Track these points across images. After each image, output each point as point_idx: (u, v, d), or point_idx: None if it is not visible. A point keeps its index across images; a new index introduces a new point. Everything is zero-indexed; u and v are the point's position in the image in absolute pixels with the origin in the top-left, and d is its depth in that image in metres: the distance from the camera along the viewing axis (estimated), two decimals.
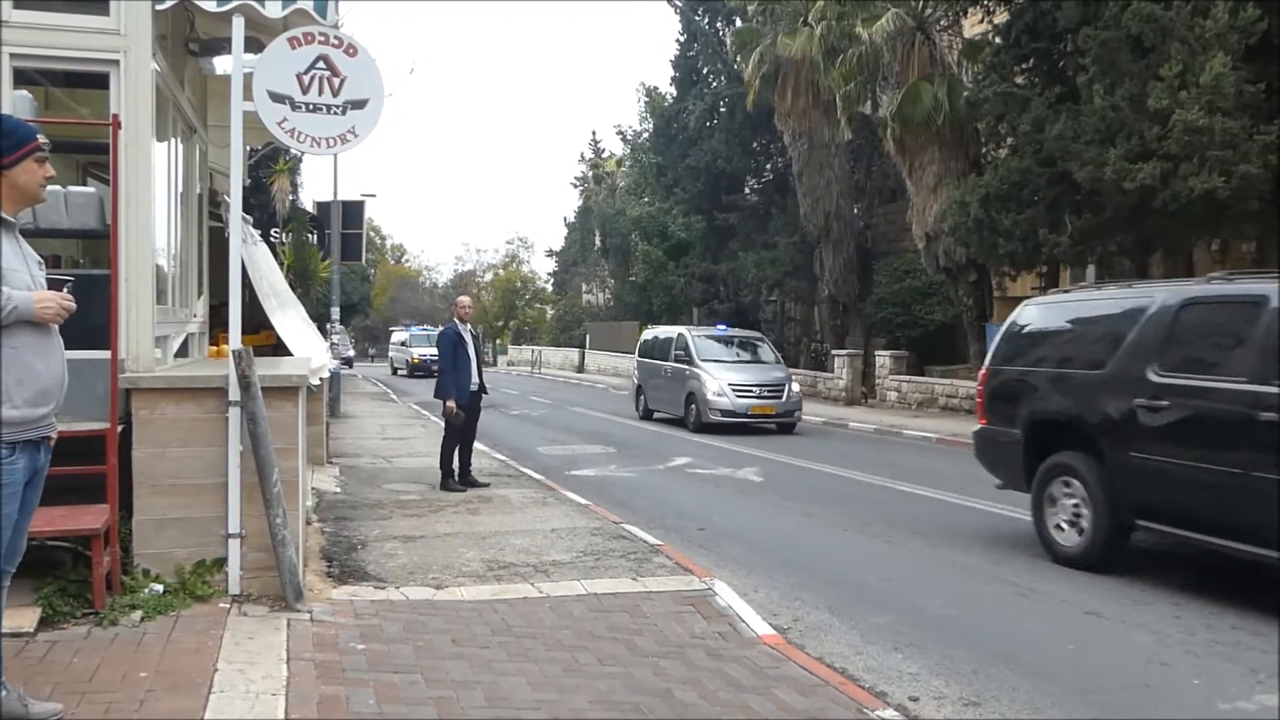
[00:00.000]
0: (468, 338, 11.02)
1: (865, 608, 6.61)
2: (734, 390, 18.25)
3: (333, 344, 49.16)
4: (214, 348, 9.02)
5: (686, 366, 19.29)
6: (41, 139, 3.86)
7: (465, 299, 12.01)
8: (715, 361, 19.15)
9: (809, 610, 6.54)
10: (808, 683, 5.00)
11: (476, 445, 11.70)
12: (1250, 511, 6.24)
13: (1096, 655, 5.66)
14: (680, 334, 20.50)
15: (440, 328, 11.44)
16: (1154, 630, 6.12)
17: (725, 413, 18.10)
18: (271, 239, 20.29)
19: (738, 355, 20.05)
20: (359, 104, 6.15)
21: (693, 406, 18.69)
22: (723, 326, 21.67)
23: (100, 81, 6.06)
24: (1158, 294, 7.42)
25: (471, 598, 6.29)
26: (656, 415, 20.86)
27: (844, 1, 22.74)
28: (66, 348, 3.96)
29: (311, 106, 6.09)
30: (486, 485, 10.78)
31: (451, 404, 10.70)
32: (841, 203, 28.06)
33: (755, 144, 32.87)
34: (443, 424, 11.21)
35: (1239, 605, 6.63)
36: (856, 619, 6.34)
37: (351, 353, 54.94)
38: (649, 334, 22.73)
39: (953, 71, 22.03)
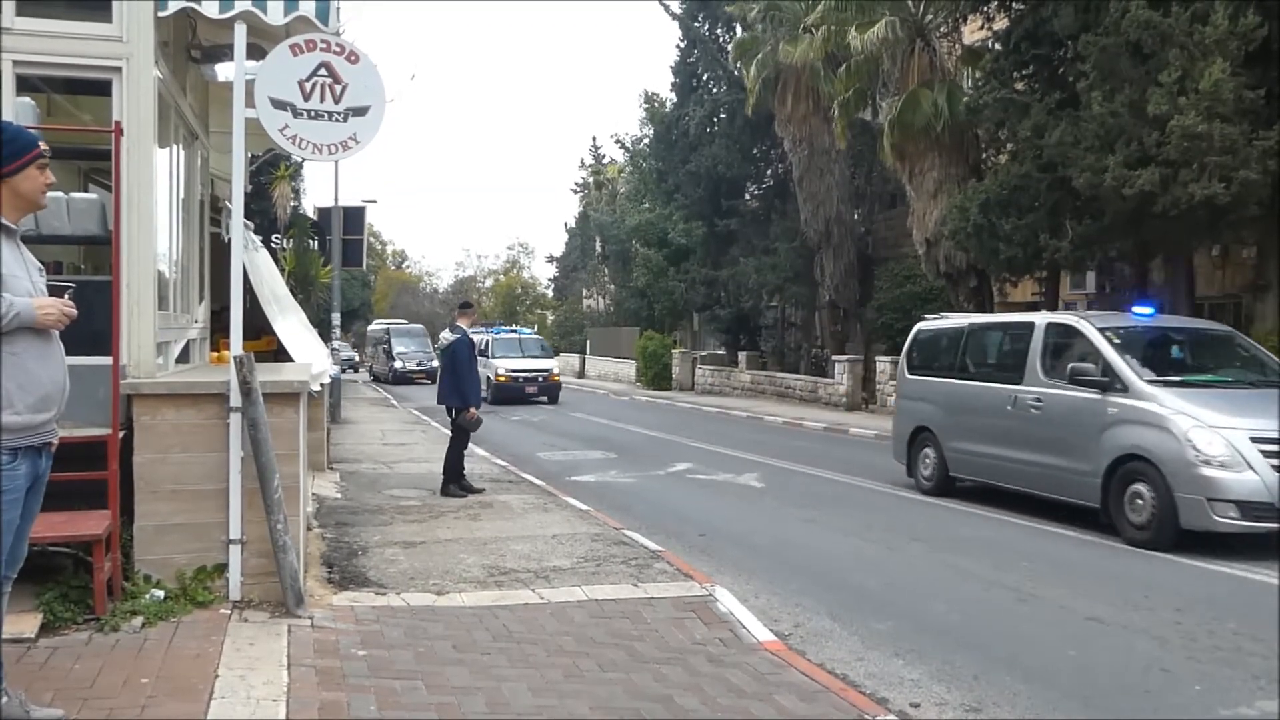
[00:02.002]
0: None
1: (866, 613, 6.61)
2: (1264, 452, 8.28)
3: (391, 352, 40.19)
4: (215, 353, 9.03)
5: (1104, 397, 9.30)
6: (43, 146, 3.87)
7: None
8: (1183, 386, 9.21)
9: (810, 616, 6.54)
10: (809, 689, 4.99)
11: (477, 451, 11.74)
12: None
13: (1098, 661, 5.65)
14: (1067, 325, 10.34)
15: (453, 335, 11.34)
16: (1155, 636, 6.11)
17: (1250, 508, 8.18)
18: (273, 245, 20.34)
19: (1213, 372, 9.91)
20: (360, 111, 6.16)
21: (1138, 489, 8.75)
22: (1148, 310, 10.56)
23: (102, 88, 6.07)
24: None
25: (472, 603, 6.29)
26: (964, 484, 11.38)
27: (844, 9, 22.74)
28: (68, 353, 3.97)
29: (313, 113, 6.10)
30: (481, 491, 10.79)
31: (474, 411, 10.89)
32: (842, 208, 28.08)
33: (755, 150, 32.88)
34: (449, 431, 11.32)
35: (1240, 611, 6.63)
36: (857, 625, 6.34)
37: (436, 364, 43.10)
38: (938, 325, 12.70)
39: (952, 78, 22.04)
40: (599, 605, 6.33)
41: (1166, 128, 14.07)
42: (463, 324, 11.40)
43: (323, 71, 6.09)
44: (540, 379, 28.48)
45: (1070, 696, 5.11)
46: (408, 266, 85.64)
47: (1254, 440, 8.37)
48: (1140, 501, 8.74)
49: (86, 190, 8.00)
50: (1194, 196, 13.98)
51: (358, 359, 54.74)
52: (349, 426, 19.16)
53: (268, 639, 5.17)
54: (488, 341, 29.30)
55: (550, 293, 67.74)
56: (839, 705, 4.79)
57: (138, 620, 5.19)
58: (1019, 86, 18.39)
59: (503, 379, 27.83)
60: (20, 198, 3.82)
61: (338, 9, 6.29)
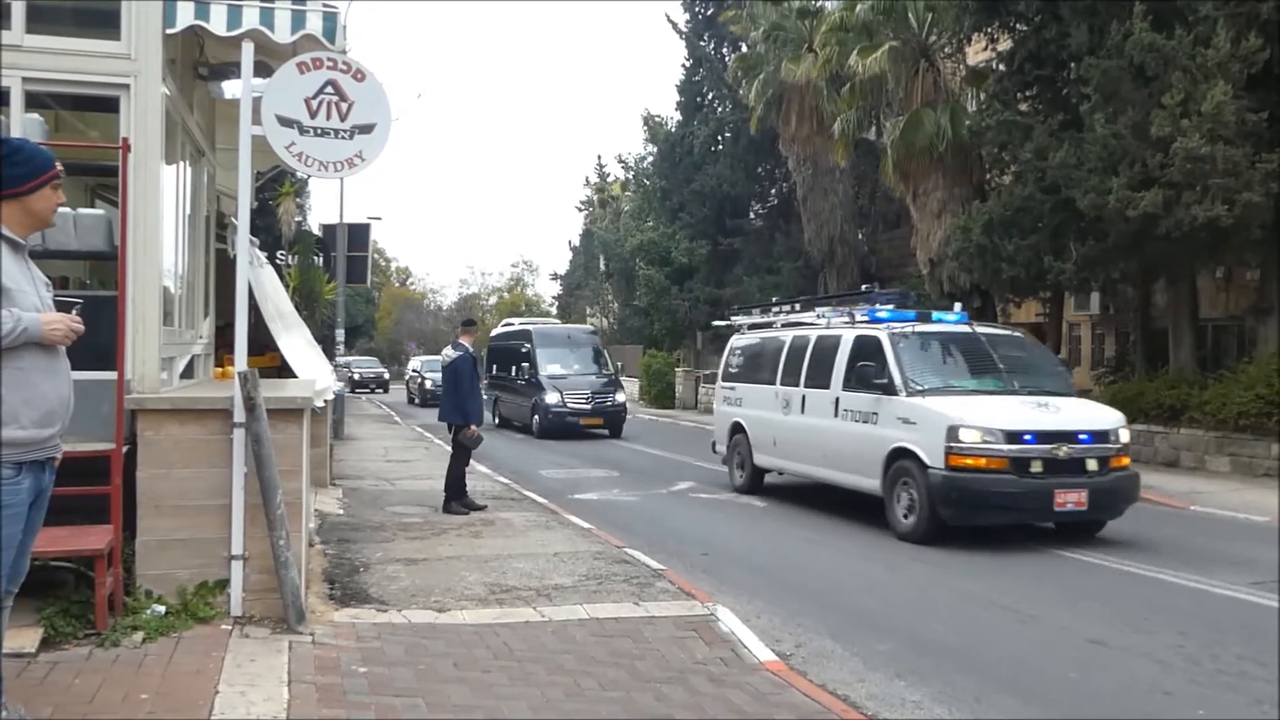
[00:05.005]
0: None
1: (867, 634, 6.59)
2: None
3: (539, 376, 19.99)
4: (219, 369, 9.05)
5: None
6: (59, 166, 3.94)
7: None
8: None
9: (811, 636, 6.52)
10: (810, 709, 4.98)
11: (479, 468, 11.76)
12: None
13: (1099, 683, 5.63)
14: None
15: (456, 352, 11.32)
16: (1157, 659, 6.09)
17: None
18: (277, 261, 20.41)
19: None
20: (366, 128, 6.21)
21: None
22: None
23: (110, 105, 6.12)
24: None
25: (473, 621, 6.28)
26: None
27: (848, 30, 22.85)
28: (73, 368, 3.99)
29: (319, 131, 6.14)
30: (483, 508, 10.79)
31: (475, 428, 10.94)
32: (845, 227, 28.16)
33: (760, 169, 33.02)
34: (450, 448, 11.34)
35: (1243, 634, 6.61)
36: (859, 645, 6.32)
37: (621, 397, 23.20)
38: None
39: (956, 98, 22.12)
40: (600, 624, 6.32)
41: (1170, 150, 14.13)
42: (465, 341, 11.41)
43: (329, 89, 6.13)
44: (1092, 486, 9.39)
45: (1072, 719, 5.09)
46: (412, 283, 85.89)
47: None
48: None
49: (93, 206, 8.04)
50: (1197, 219, 14.02)
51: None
52: (352, 443, 19.16)
53: (269, 655, 5.16)
54: (886, 341, 10.65)
55: (554, 310, 67.84)
56: None
57: (138, 636, 5.18)
58: (1023, 108, 18.47)
59: (969, 460, 9.33)
60: (32, 216, 3.88)
61: (344, 28, 6.34)
